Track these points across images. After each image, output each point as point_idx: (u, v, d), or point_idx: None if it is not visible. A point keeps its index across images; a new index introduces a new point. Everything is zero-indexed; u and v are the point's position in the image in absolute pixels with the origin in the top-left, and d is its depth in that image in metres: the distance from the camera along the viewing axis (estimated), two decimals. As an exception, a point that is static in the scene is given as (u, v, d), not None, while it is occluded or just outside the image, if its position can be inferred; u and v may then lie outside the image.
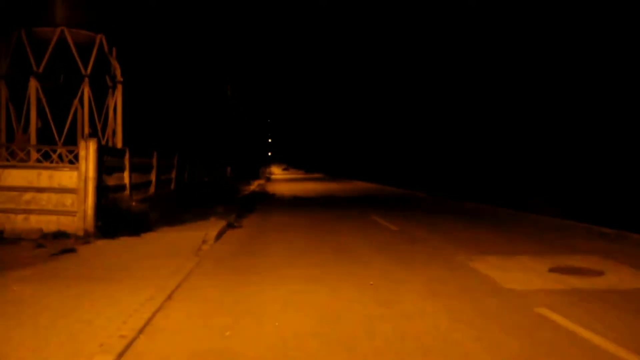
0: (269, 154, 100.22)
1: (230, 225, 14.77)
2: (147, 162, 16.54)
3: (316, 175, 76.86)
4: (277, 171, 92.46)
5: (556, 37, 22.27)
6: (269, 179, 56.20)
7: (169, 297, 7.04)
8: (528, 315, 6.34)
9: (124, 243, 11.18)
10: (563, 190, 19.70)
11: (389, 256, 10.25)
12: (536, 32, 23.49)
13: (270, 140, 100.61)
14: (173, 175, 20.01)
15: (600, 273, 8.69)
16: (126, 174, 14.35)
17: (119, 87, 16.49)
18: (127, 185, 14.33)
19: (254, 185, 38.46)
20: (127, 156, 14.34)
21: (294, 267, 9.24)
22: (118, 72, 16.45)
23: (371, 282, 7.94)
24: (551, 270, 8.92)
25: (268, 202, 24.73)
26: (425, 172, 36.56)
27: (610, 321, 6.07)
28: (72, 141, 15.42)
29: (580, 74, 20.94)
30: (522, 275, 8.50)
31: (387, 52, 47.70)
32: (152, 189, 16.85)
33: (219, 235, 12.89)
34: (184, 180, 21.65)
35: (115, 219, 12.00)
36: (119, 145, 16.18)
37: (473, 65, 30.17)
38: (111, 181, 13.27)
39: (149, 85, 19.12)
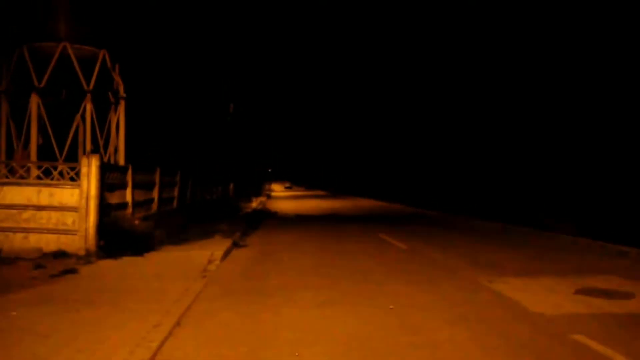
0: (269, 170, 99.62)
1: (235, 245, 14.33)
2: (150, 180, 16.14)
3: (318, 192, 76.38)
4: (278, 188, 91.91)
5: (566, 47, 22.02)
6: (270, 197, 55.74)
7: (178, 323, 6.59)
8: (565, 342, 5.89)
9: (128, 263, 10.73)
10: (575, 207, 19.28)
11: (403, 277, 9.79)
12: (545, 42, 23.24)
13: (269, 159, 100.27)
14: (176, 192, 19.60)
15: (629, 295, 8.25)
16: (128, 192, 13.94)
17: (122, 103, 16.14)
18: (130, 203, 13.92)
19: (256, 203, 38.02)
20: (129, 173, 13.94)
21: (307, 289, 8.79)
22: (121, 88, 16.12)
23: (391, 306, 7.49)
24: (577, 292, 8.48)
25: (271, 221, 24.27)
26: (431, 189, 36.16)
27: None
28: (73, 158, 15.04)
29: (588, 84, 20.64)
30: (548, 297, 8.06)
31: (392, 68, 47.59)
32: (154, 207, 16.43)
33: (225, 255, 12.44)
34: (186, 197, 21.23)
35: (118, 238, 11.56)
36: (122, 162, 15.79)
37: (482, 82, 29.92)
38: (113, 199, 12.85)
39: (151, 102, 18.81)
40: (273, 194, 68.42)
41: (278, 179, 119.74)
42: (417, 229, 19.05)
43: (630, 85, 18.05)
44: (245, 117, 44.71)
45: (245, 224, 20.16)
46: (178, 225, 15.91)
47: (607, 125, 19.55)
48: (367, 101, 57.91)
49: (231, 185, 35.61)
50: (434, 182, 37.04)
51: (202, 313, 7.20)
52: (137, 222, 12.76)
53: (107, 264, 10.59)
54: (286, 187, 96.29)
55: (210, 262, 11.22)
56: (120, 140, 16.03)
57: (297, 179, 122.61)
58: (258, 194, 52.94)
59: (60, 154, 14.81)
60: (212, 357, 5.47)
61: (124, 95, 16.08)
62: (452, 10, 32.82)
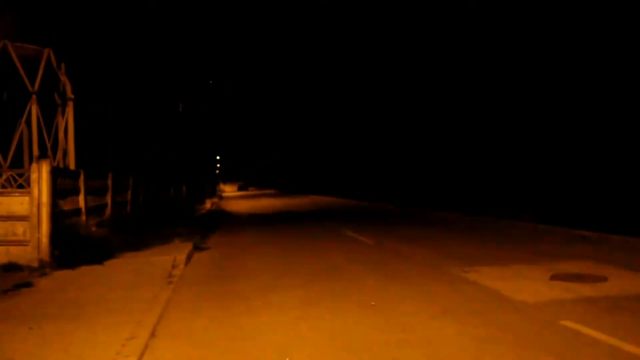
0: (218, 171, 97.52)
1: (196, 248, 13.84)
2: (102, 184, 15.45)
3: (269, 191, 75.77)
4: (229, 189, 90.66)
5: (533, 42, 22.29)
6: (222, 197, 54.91)
7: (153, 334, 6.17)
8: (556, 329, 5.81)
9: (87, 273, 10.13)
10: (532, 196, 19.61)
11: (377, 272, 9.61)
12: (512, 38, 23.47)
13: (218, 158, 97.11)
14: (129, 196, 18.90)
15: (603, 279, 8.31)
16: (81, 197, 13.27)
17: (70, 105, 15.35)
18: (83, 210, 13.25)
19: (209, 204, 37.32)
20: (81, 178, 13.28)
21: (282, 290, 8.48)
22: (68, 89, 15.32)
23: (373, 303, 7.27)
24: (553, 278, 8.49)
25: (228, 221, 23.78)
26: (385, 184, 36.25)
27: (646, 332, 5.63)
28: (18, 164, 14.22)
29: (548, 74, 21.00)
30: (526, 285, 8.03)
31: (340, 60, 47.33)
32: (108, 212, 15.74)
33: (188, 259, 11.97)
34: (139, 201, 20.52)
35: (74, 246, 10.93)
36: (72, 166, 15.02)
37: (440, 72, 30.07)
38: (66, 205, 12.18)
39: (101, 103, 18.01)
40: (224, 194, 67.49)
41: (228, 180, 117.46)
42: (378, 223, 18.98)
43: (591, 74, 18.46)
44: (195, 117, 43.75)
45: (203, 226, 19.62)
46: (135, 230, 15.27)
47: (562, 114, 19.97)
48: (316, 98, 57.65)
49: (184, 187, 34.79)
50: (388, 176, 37.14)
51: (176, 322, 6.79)
52: (94, 229, 12.14)
53: (65, 275, 9.97)
54: (240, 187, 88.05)
55: (174, 267, 10.74)
56: (69, 144, 15.25)
57: (246, 179, 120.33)
58: (211, 195, 52.08)
59: (5, 160, 13.96)
60: (197, 369, 5.11)
61: (72, 96, 15.31)
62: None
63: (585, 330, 5.74)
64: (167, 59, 28.96)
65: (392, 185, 34.34)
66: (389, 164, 37.17)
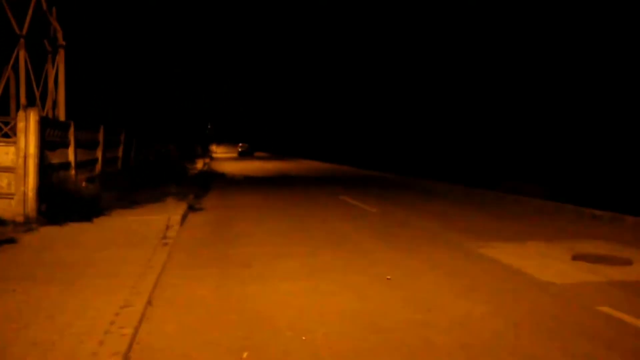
0: (208, 132, 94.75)
1: (191, 208, 13.22)
2: (93, 138, 14.70)
3: (262, 154, 74.89)
4: (220, 151, 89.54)
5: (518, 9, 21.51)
6: (213, 158, 54.10)
7: (149, 302, 5.58)
8: (597, 316, 5.28)
9: (75, 231, 9.48)
10: (539, 170, 19.08)
11: (387, 243, 9.04)
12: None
13: (209, 123, 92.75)
14: (120, 153, 18.17)
15: (628, 262, 7.80)
16: (71, 151, 12.55)
17: (61, 52, 14.44)
18: (73, 164, 12.54)
19: (200, 164, 36.56)
20: (71, 130, 12.52)
21: (287, 257, 7.89)
22: (60, 35, 14.39)
23: (388, 277, 6.71)
24: (575, 258, 7.98)
25: (221, 182, 23.10)
26: (382, 152, 35.57)
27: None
28: (4, 113, 13.40)
29: (553, 46, 20.30)
30: (548, 264, 7.50)
31: (337, 24, 46.08)
32: (98, 167, 15.04)
33: (183, 220, 11.37)
34: (131, 158, 19.79)
35: (62, 202, 10.25)
36: (62, 117, 14.21)
37: (435, 38, 29.18)
38: (54, 158, 11.47)
39: (93, 53, 17.10)
40: (216, 155, 66.64)
41: (221, 141, 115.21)
42: (378, 191, 18.38)
43: (593, 49, 17.77)
44: (188, 76, 42.57)
45: (196, 186, 18.95)
46: (126, 187, 14.60)
47: (567, 90, 19.31)
48: (313, 61, 56.37)
49: (175, 146, 33.92)
50: (386, 145, 36.40)
51: (174, 288, 6.20)
52: (84, 184, 11.45)
53: (52, 232, 9.32)
54: (242, 152, 69.19)
55: (168, 227, 10.12)
56: (60, 94, 14.40)
57: (237, 141, 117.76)
58: (202, 155, 51.26)
59: (-11, 108, 13.14)
60: (203, 346, 4.52)
61: (64, 43, 14.38)
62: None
63: (627, 318, 5.22)
64: (163, 12, 27.82)
65: (391, 154, 33.66)
66: (388, 132, 36.38)
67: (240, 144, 74.69)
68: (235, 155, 68.88)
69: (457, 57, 26.38)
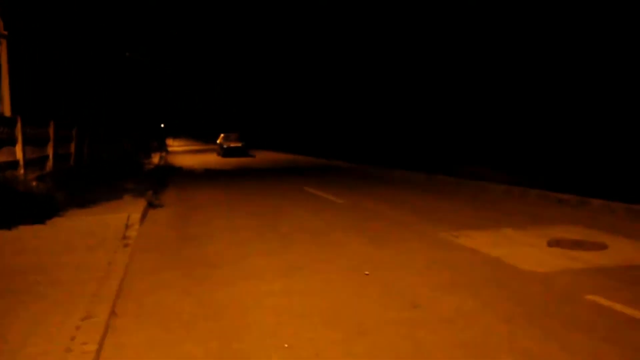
0: (162, 125, 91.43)
1: (151, 205, 12.66)
2: (43, 134, 13.90)
3: (216, 145, 73.48)
4: (175, 144, 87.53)
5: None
6: (169, 152, 52.86)
7: (113, 311, 5.13)
8: (588, 306, 5.10)
9: (27, 234, 8.83)
10: (502, 156, 19.09)
11: (359, 236, 8.74)
12: None
13: (164, 118, 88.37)
14: (72, 149, 17.32)
15: (603, 246, 7.72)
16: (19, 148, 11.80)
17: (3, 43, 13.53)
18: (21, 162, 11.79)
19: (157, 159, 35.60)
20: (18, 126, 11.76)
21: (257, 255, 7.49)
22: (0, 24, 13.49)
23: (367, 272, 6.41)
24: (550, 244, 7.85)
25: (179, 176, 22.42)
26: (340, 141, 35.28)
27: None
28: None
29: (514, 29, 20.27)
30: (526, 252, 7.33)
31: (291, 12, 45.24)
32: (50, 165, 14.25)
33: (143, 217, 10.82)
34: (84, 154, 18.94)
35: (11, 203, 9.55)
36: (7, 112, 13.35)
37: (391, 22, 28.90)
38: (1, 157, 10.74)
39: (39, 45, 16.15)
40: (171, 149, 65.17)
41: (176, 135, 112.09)
42: (342, 181, 18.10)
43: (558, 32, 17.79)
44: (141, 68, 41.21)
45: (153, 181, 18.28)
46: (80, 185, 13.88)
47: (525, 76, 19.33)
48: (266, 52, 55.42)
49: (130, 140, 32.89)
50: (344, 133, 36.09)
51: (140, 295, 5.74)
52: (34, 183, 10.75)
53: (0, 237, 8.67)
54: (227, 149, 39.64)
55: (128, 226, 9.58)
56: (3, 87, 13.50)
57: (192, 134, 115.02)
58: (158, 149, 50.05)
59: None
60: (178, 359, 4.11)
61: (5, 32, 13.47)
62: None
63: (617, 306, 5.06)
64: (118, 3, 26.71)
65: (350, 142, 33.35)
66: (348, 120, 36.05)
67: (223, 135, 42.06)
68: (194, 148, 67.05)
69: (415, 40, 26.19)
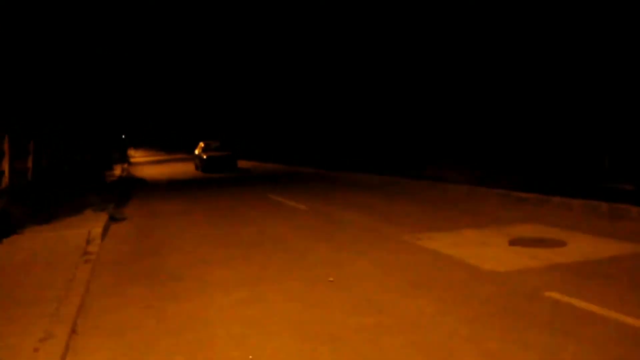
0: (123, 136, 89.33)
1: (113, 219, 12.45)
2: (-4, 149, 13.52)
3: (179, 155, 72.73)
4: (137, 154, 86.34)
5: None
6: (131, 163, 52.10)
7: (73, 330, 5.02)
8: (547, 303, 5.21)
9: (-17, 253, 8.60)
10: (463, 157, 19.39)
11: (324, 242, 8.76)
12: None
13: (129, 127, 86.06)
14: (30, 163, 16.88)
15: (562, 243, 7.91)
16: (-29, 164, 11.46)
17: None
18: (-25, 179, 11.46)
19: (119, 170, 35.03)
20: (-30, 142, 11.44)
21: (221, 266, 7.45)
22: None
23: (331, 279, 6.42)
24: (512, 243, 8.01)
25: (143, 188, 22.11)
26: (303, 146, 35.33)
27: (632, 299, 5.16)
28: None
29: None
30: (488, 252, 7.47)
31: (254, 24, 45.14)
32: (6, 181, 13.84)
33: (105, 232, 10.63)
34: (42, 168, 18.48)
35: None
36: (-42, 128, 12.97)
37: (345, 27, 29.05)
38: (-48, 174, 10.43)
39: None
40: (134, 160, 64.22)
41: (138, 145, 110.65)
42: (306, 188, 18.12)
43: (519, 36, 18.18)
44: (103, 78, 40.43)
45: (116, 194, 18.00)
46: (39, 200, 13.56)
47: (485, 78, 19.70)
48: (234, 60, 54.94)
49: (91, 152, 32.27)
50: (306, 139, 36.15)
51: (101, 312, 5.64)
52: (-11, 200, 10.46)
53: (-45, 256, 8.40)
54: (208, 161, 30.33)
55: (89, 241, 9.40)
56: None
57: (155, 144, 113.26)
58: (120, 160, 49.24)
59: None
60: (138, 378, 4.05)
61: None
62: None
63: (575, 301, 5.18)
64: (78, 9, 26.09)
65: (313, 148, 33.44)
66: (309, 126, 36.13)
67: (203, 145, 32.84)
68: (156, 158, 66.12)
69: (375, 45, 26.39)
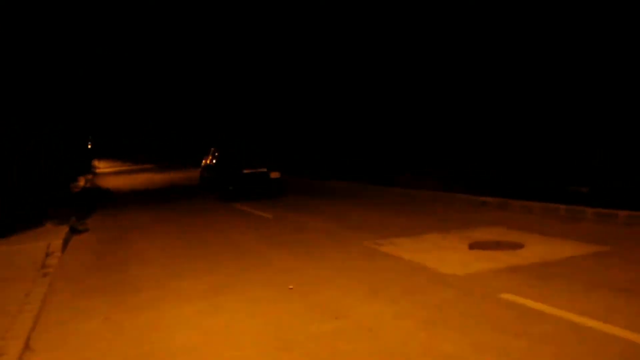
0: (89, 146, 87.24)
1: (74, 230, 12.25)
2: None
3: (146, 166, 71.86)
4: (102, 165, 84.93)
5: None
6: (96, 174, 51.27)
7: (27, 346, 4.93)
8: (501, 305, 5.32)
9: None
10: (430, 164, 19.62)
11: (287, 250, 8.78)
12: None
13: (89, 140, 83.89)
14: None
15: (519, 245, 8.08)
16: None
17: None
18: None
19: (83, 182, 34.45)
20: None
21: (183, 276, 7.39)
22: None
23: (291, 286, 6.45)
24: (472, 247, 8.16)
25: (108, 199, 21.78)
26: (276, 153, 35.21)
27: (582, 299, 5.30)
28: None
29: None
30: (448, 256, 7.59)
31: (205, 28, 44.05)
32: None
33: (65, 244, 10.46)
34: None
35: None
36: None
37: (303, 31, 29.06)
38: None
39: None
40: (98, 170, 63.22)
41: (102, 156, 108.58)
42: (267, 195, 18.05)
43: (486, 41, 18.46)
44: (65, 87, 39.57)
45: (79, 205, 17.70)
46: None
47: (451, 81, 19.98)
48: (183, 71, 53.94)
49: (52, 161, 31.64)
50: (271, 144, 36.02)
51: (57, 326, 5.55)
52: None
53: None
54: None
55: (48, 254, 9.26)
56: None
57: (120, 155, 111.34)
58: (84, 171, 48.39)
59: None
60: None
61: None
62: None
63: (529, 303, 5.31)
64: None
65: (277, 154, 33.41)
66: (273, 131, 36.01)
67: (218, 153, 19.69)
68: (121, 168, 65.21)
69: (342, 49, 26.48)
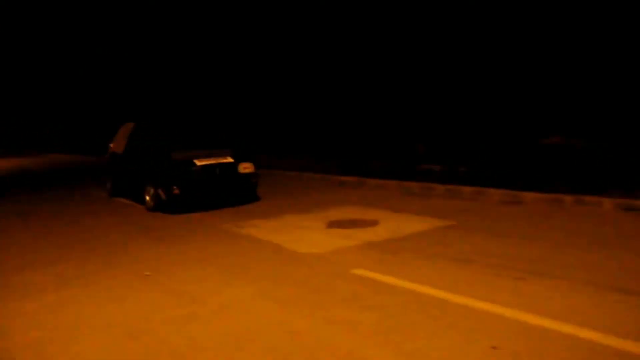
0: None
1: None
2: None
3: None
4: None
5: None
6: None
7: None
8: (350, 280, 5.57)
9: None
10: (289, 145, 19.86)
11: (142, 236, 8.51)
12: None
13: None
14: None
15: (374, 222, 8.50)
16: None
17: None
18: None
19: None
20: None
21: (31, 268, 6.85)
22: None
23: (147, 273, 6.24)
24: (329, 225, 8.44)
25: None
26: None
27: (428, 271, 5.69)
28: None
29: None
30: (306, 236, 7.78)
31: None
32: None
33: None
34: None
35: None
36: None
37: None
38: None
39: None
40: None
41: None
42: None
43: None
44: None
45: None
46: None
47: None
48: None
49: None
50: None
51: None
52: None
53: None
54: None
55: None
56: None
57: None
58: None
59: None
60: None
61: None
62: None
63: (379, 276, 5.60)
64: None
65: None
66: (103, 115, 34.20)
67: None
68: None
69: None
